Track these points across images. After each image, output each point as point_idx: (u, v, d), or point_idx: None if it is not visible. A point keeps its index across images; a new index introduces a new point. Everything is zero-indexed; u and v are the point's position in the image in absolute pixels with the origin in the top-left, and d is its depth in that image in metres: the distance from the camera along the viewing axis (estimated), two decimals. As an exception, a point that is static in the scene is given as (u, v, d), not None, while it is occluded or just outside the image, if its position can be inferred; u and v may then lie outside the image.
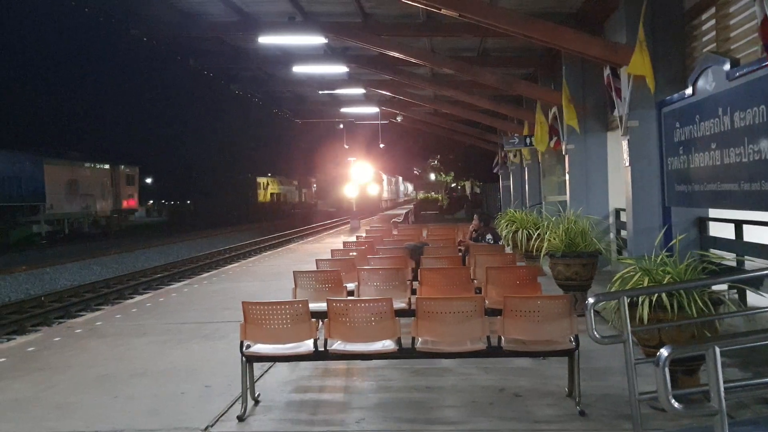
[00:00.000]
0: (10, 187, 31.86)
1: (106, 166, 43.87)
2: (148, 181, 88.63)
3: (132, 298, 15.13)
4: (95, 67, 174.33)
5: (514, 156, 22.44)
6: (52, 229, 36.32)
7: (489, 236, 11.05)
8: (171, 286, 15.18)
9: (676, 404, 3.21)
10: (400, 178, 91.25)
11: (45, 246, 33.84)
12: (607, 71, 9.10)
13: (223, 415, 5.31)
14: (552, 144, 13.86)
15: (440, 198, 62.76)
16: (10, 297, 17.07)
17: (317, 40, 13.92)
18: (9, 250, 30.82)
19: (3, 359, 7.49)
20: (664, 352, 3.25)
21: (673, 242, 5.64)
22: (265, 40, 14.12)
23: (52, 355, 7.65)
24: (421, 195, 70.64)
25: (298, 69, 17.87)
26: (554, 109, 13.95)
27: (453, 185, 65.23)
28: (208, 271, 19.68)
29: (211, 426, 5.09)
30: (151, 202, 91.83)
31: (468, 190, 59.33)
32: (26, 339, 9.45)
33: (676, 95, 7.05)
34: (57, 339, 8.54)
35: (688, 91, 6.59)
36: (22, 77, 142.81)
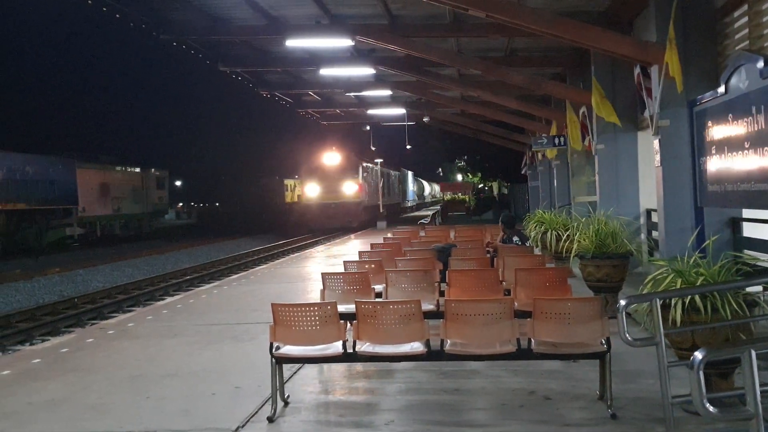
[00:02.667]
0: (43, 191, 32.47)
1: (137, 170, 44.53)
2: (178, 183, 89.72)
3: (163, 299, 15.30)
4: (126, 72, 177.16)
5: (542, 156, 22.29)
6: (84, 232, 36.94)
7: (515, 238, 10.98)
8: (201, 288, 15.32)
9: (711, 408, 3.17)
10: (408, 174, 71.27)
11: (77, 248, 34.41)
12: (637, 70, 9.00)
13: (253, 416, 5.34)
14: (587, 143, 13.74)
15: (467, 199, 62.16)
16: (44, 299, 17.37)
17: (344, 42, 13.96)
18: (43, 252, 31.40)
19: (38, 360, 7.62)
20: (698, 354, 3.21)
21: (706, 243, 5.55)
22: (293, 43, 14.22)
23: (86, 356, 7.77)
24: (448, 196, 69.45)
25: (325, 71, 17.98)
26: (583, 109, 13.82)
27: (480, 186, 64.99)
28: (237, 273, 19.85)
29: (242, 427, 5.12)
30: (181, 204, 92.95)
31: (495, 191, 59.08)
32: (60, 340, 9.62)
33: (708, 94, 6.93)
34: (90, 340, 8.67)
35: (721, 89, 6.48)
36: (55, 83, 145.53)
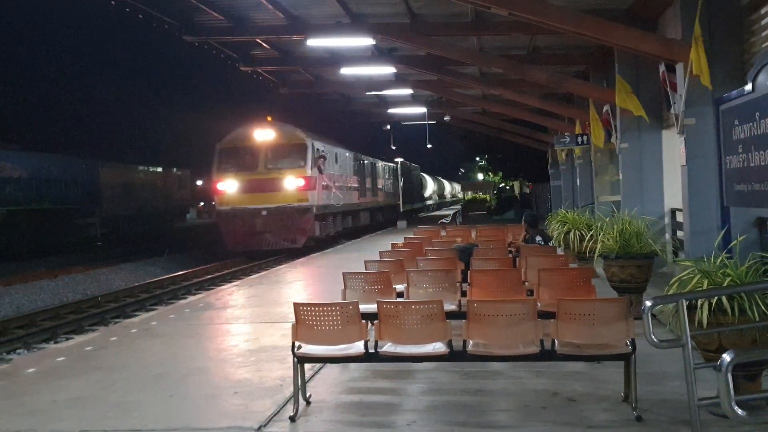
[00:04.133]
0: (67, 190, 32.88)
1: (159, 170, 44.89)
2: (199, 183, 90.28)
3: (185, 298, 15.39)
4: (148, 73, 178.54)
5: (566, 155, 22.11)
6: (106, 231, 37.31)
7: (539, 238, 10.89)
8: (222, 287, 15.39)
9: (739, 411, 3.12)
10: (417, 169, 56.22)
11: (100, 247, 34.75)
12: (662, 68, 8.90)
13: (275, 415, 5.35)
14: (612, 140, 13.61)
15: (488, 198, 61.71)
16: (68, 297, 17.54)
17: (365, 41, 13.97)
18: (66, 251, 31.74)
19: (62, 358, 7.69)
20: (726, 357, 3.15)
21: (732, 243, 5.47)
22: (314, 42, 14.25)
23: (110, 354, 7.83)
24: (468, 195, 68.80)
25: (346, 71, 17.99)
26: (607, 107, 13.70)
27: (501, 185, 64.62)
28: (258, 272, 19.91)
29: (264, 426, 5.13)
30: (202, 204, 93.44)
31: (517, 190, 58.68)
32: (84, 338, 9.72)
33: (734, 92, 6.83)
34: (114, 339, 8.74)
35: (748, 87, 6.37)
36: (78, 84, 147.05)
